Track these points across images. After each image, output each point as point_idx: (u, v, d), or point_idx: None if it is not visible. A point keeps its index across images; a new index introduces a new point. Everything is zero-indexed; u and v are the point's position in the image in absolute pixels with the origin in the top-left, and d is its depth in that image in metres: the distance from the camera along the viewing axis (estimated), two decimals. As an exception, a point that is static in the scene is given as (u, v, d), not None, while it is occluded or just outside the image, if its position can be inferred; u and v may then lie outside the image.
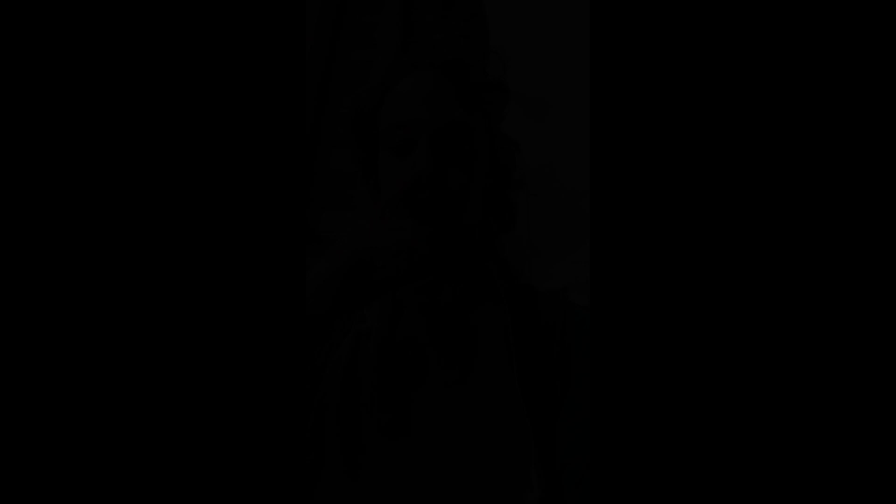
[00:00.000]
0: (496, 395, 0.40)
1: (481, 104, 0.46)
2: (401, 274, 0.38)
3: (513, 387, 0.39)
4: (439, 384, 0.42)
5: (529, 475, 0.36)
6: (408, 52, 0.49)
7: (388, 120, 0.46)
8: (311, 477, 0.39)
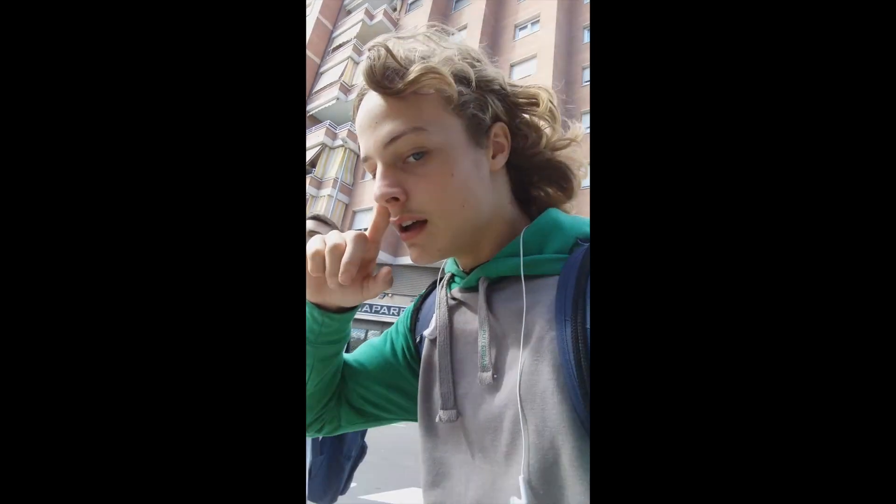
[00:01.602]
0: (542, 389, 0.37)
1: (416, 93, 0.41)
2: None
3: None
4: (480, 378, 0.42)
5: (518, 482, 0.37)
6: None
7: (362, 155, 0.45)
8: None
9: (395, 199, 0.42)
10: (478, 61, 0.45)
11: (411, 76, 0.40)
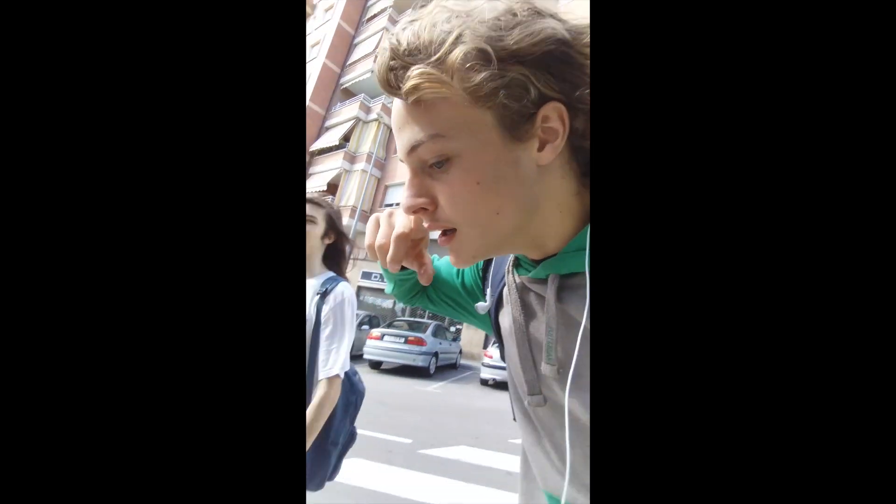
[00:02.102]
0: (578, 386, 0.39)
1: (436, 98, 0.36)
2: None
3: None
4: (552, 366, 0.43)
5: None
6: None
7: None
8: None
9: (424, 208, 0.41)
10: (525, 19, 0.36)
11: (407, 85, 0.36)
